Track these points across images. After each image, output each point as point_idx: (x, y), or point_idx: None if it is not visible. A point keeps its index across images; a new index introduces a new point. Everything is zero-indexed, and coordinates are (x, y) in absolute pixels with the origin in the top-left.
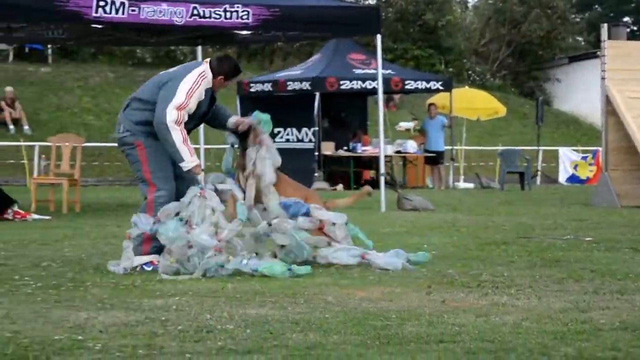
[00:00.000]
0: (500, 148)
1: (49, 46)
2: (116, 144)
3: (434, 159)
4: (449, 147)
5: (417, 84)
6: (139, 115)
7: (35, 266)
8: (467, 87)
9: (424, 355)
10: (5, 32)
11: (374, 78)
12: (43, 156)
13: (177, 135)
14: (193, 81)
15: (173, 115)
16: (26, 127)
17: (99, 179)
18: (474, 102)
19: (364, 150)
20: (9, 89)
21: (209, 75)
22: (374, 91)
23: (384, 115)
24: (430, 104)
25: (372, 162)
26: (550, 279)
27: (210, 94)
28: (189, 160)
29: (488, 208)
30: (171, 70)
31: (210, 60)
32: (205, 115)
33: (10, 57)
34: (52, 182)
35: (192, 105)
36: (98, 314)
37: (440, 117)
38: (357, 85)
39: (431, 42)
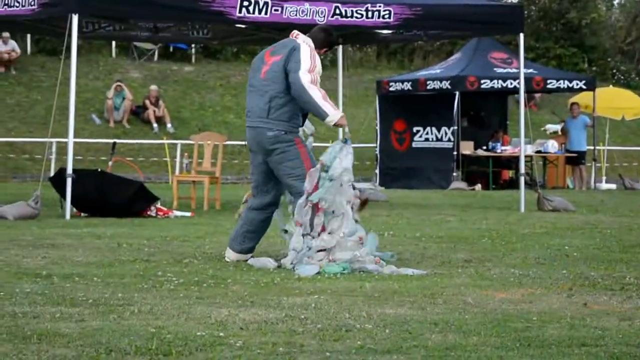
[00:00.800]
0: None
1: (193, 45)
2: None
3: (576, 159)
4: (591, 147)
5: (559, 83)
6: (287, 112)
7: (177, 262)
8: (611, 86)
9: (566, 359)
10: (151, 32)
11: (515, 77)
12: (185, 154)
13: (316, 92)
14: (309, 49)
15: (307, 77)
16: (169, 126)
17: (239, 177)
18: (618, 101)
19: (503, 150)
20: (153, 87)
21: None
22: (514, 90)
23: (525, 115)
24: (573, 103)
25: (511, 162)
26: None
27: None
28: (333, 114)
29: (632, 210)
30: (274, 53)
31: (308, 35)
32: None
33: (156, 56)
34: (194, 179)
35: (319, 67)
36: (238, 311)
37: (583, 117)
38: (497, 84)
39: (574, 40)
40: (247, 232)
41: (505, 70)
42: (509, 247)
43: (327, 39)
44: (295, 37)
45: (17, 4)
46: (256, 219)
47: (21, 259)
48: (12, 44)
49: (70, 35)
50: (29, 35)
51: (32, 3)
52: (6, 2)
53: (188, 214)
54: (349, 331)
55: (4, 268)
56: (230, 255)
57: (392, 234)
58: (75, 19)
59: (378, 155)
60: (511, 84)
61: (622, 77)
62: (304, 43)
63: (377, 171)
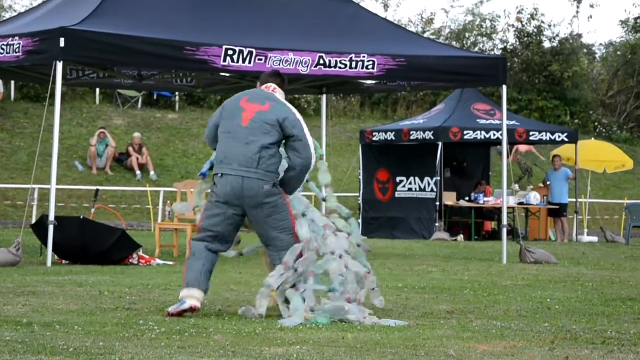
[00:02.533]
0: (627, 202)
1: (177, 93)
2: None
3: (558, 212)
4: (573, 200)
5: (542, 136)
6: (275, 164)
7: (159, 311)
8: (593, 139)
9: None
10: (136, 80)
11: (498, 129)
12: (168, 202)
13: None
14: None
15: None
16: (152, 173)
17: None
18: (600, 155)
19: (486, 201)
20: (137, 135)
21: None
22: (497, 142)
23: (507, 166)
24: (555, 156)
25: (494, 213)
26: None
27: None
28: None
29: (614, 263)
30: (253, 100)
31: (275, 81)
32: None
33: (140, 104)
34: (176, 227)
35: None
36: None
37: (565, 169)
38: (481, 135)
39: (557, 93)
40: (208, 272)
41: (488, 122)
42: (491, 299)
43: (285, 87)
44: (273, 91)
45: (2, 51)
46: (214, 261)
47: (2, 306)
48: None
49: (54, 82)
50: (12, 82)
51: (17, 50)
52: None
53: (170, 262)
54: None
55: None
56: (197, 295)
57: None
58: (60, 66)
59: (361, 205)
60: (494, 135)
61: (604, 130)
62: (291, 109)
63: (360, 221)
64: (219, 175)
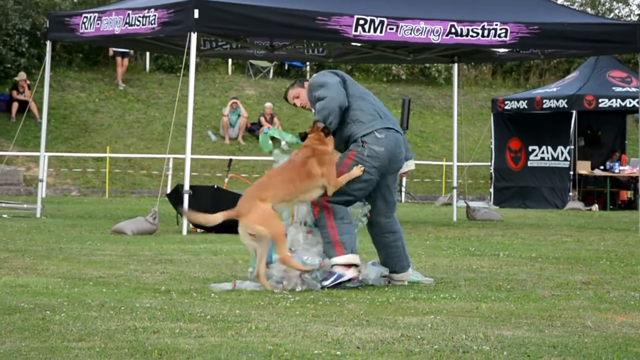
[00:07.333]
0: None
1: (307, 63)
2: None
3: None
4: None
5: None
6: None
7: None
8: None
9: None
10: (267, 50)
11: (634, 96)
12: None
13: None
14: None
15: None
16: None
17: None
18: None
19: (621, 170)
20: (268, 105)
21: None
22: (634, 110)
23: None
24: None
25: (630, 182)
26: None
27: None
28: None
29: None
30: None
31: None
32: None
33: (271, 74)
34: None
35: None
36: (355, 329)
37: None
38: (616, 103)
39: None
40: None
41: (624, 89)
42: (628, 270)
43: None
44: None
45: (138, 23)
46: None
47: (140, 274)
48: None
49: (188, 54)
50: (147, 53)
51: (153, 22)
52: (128, 21)
53: None
54: (466, 352)
55: (124, 283)
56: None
57: (508, 254)
58: (194, 37)
59: (492, 174)
60: (630, 103)
61: None
62: None
63: (492, 190)
64: (390, 129)
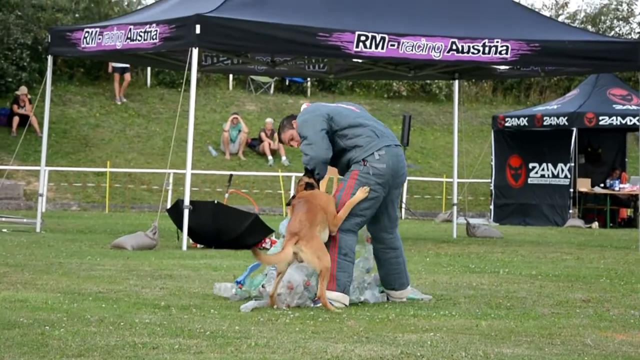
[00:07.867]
0: None
1: (309, 79)
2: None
3: None
4: None
5: None
6: None
7: None
8: None
9: None
10: (268, 65)
11: (634, 114)
12: None
13: None
14: None
15: None
16: (284, 158)
17: None
18: None
19: (621, 187)
20: (269, 120)
21: None
22: (634, 127)
23: None
24: None
25: (630, 200)
26: None
27: None
28: None
29: None
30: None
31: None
32: None
33: (272, 90)
34: None
35: None
36: (354, 346)
37: None
38: (616, 121)
39: None
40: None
41: (624, 107)
42: (628, 288)
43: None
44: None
45: (140, 38)
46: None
47: (140, 289)
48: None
49: (189, 69)
50: (149, 68)
51: (154, 37)
52: (129, 36)
53: None
54: None
55: (123, 298)
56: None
57: (507, 272)
58: (195, 52)
59: (493, 191)
60: (630, 120)
61: None
62: None
63: (492, 207)
64: (389, 146)
